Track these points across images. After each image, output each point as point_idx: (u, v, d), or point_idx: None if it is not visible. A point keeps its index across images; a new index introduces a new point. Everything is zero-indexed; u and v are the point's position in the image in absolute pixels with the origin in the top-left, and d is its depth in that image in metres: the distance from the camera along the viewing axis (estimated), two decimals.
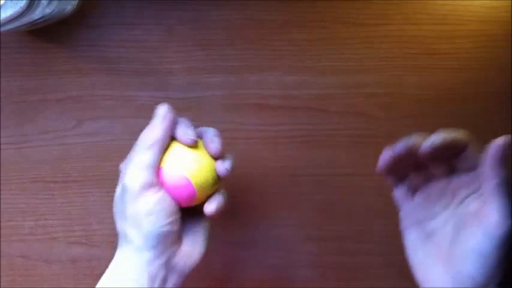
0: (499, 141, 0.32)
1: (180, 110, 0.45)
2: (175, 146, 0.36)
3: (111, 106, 0.45)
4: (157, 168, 0.35)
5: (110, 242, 0.45)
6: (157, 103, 0.45)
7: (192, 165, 0.35)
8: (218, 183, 0.37)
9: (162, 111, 0.36)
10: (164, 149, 0.35)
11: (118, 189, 0.36)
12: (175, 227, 0.34)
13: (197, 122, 0.45)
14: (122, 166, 0.37)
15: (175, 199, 0.35)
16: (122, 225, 0.36)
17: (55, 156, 0.45)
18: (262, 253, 0.46)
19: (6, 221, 0.45)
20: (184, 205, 0.35)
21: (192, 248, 0.36)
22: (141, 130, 0.45)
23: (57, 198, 0.45)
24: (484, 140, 0.47)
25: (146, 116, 0.45)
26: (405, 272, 0.46)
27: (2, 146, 0.45)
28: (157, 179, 0.34)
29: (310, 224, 0.46)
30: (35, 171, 0.45)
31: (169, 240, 0.34)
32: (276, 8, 0.45)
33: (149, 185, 0.34)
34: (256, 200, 0.46)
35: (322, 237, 0.46)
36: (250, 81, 0.45)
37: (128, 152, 0.45)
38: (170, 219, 0.34)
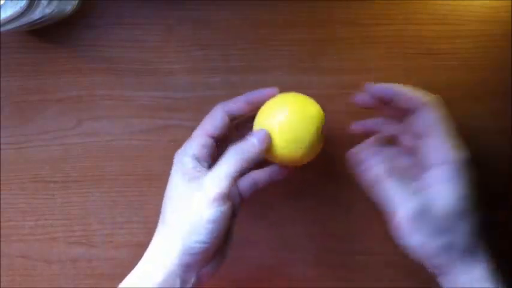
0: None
1: (180, 110, 0.45)
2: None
3: (111, 106, 0.45)
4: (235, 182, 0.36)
5: (109, 242, 0.45)
6: (157, 103, 0.45)
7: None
8: None
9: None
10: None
11: (190, 185, 0.35)
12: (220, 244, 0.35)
13: (197, 122, 0.45)
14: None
15: None
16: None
17: (55, 156, 0.45)
18: (262, 253, 0.46)
19: (6, 221, 0.45)
20: None
21: (219, 257, 0.37)
22: (141, 130, 0.45)
23: (57, 198, 0.45)
24: (484, 140, 0.47)
25: (146, 116, 0.45)
26: (405, 272, 0.46)
27: (2, 146, 0.45)
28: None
29: (311, 224, 0.46)
30: (35, 171, 0.45)
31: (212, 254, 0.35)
32: (276, 8, 0.45)
33: (228, 197, 0.35)
34: (256, 200, 0.46)
35: (322, 237, 0.46)
36: (250, 81, 0.45)
37: (128, 152, 0.45)
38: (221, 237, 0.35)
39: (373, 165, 0.37)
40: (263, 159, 0.38)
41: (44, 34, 0.44)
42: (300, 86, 0.45)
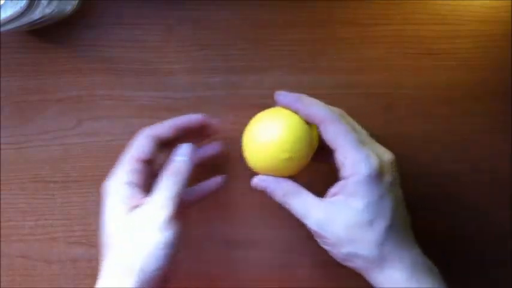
0: None
1: (180, 110, 0.45)
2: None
3: (111, 106, 0.45)
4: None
5: None
6: (157, 103, 0.45)
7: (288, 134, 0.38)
8: None
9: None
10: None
11: (134, 214, 0.35)
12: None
13: None
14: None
15: None
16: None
17: (55, 156, 0.45)
18: (263, 253, 0.46)
19: (6, 221, 0.45)
20: None
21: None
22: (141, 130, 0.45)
23: (57, 198, 0.45)
24: (484, 140, 0.47)
25: (146, 116, 0.45)
26: None
27: (2, 146, 0.45)
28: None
29: None
30: (35, 171, 0.45)
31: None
32: (276, 8, 0.45)
33: (175, 218, 0.35)
34: (256, 200, 0.46)
35: None
36: (250, 81, 0.45)
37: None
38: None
39: (277, 186, 0.38)
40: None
41: (44, 34, 0.44)
42: (300, 86, 0.45)
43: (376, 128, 0.46)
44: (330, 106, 0.38)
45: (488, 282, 0.47)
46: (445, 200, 0.46)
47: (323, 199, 0.37)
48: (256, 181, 0.39)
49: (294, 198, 0.37)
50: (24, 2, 0.36)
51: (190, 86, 0.45)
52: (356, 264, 0.36)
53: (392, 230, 0.35)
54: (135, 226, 0.34)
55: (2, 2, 0.36)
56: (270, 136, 0.37)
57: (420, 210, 0.46)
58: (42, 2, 0.38)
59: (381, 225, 0.35)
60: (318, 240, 0.37)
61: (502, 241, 0.47)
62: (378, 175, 0.35)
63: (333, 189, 0.37)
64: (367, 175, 0.35)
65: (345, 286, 0.46)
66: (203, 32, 0.45)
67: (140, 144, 0.38)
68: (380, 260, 0.35)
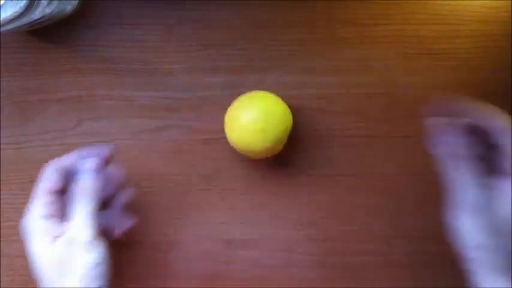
0: None
1: (180, 110, 0.45)
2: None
3: (111, 106, 0.45)
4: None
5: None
6: (157, 103, 0.45)
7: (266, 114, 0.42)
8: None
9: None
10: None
11: (58, 244, 0.35)
12: None
13: (197, 122, 0.45)
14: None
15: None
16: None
17: (55, 156, 0.45)
18: (262, 253, 0.46)
19: (6, 221, 0.45)
20: None
21: None
22: (141, 130, 0.45)
23: None
24: None
25: (146, 116, 0.45)
26: (405, 272, 0.46)
27: (2, 146, 0.45)
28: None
29: (310, 224, 0.46)
30: (35, 171, 0.45)
31: None
32: (276, 8, 0.45)
33: (98, 234, 0.35)
34: (256, 200, 0.46)
35: (322, 237, 0.46)
36: (250, 81, 0.45)
37: (128, 152, 0.45)
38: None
39: (457, 145, 0.36)
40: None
41: (44, 34, 0.44)
42: (300, 86, 0.45)
43: (376, 128, 0.46)
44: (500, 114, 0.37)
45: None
46: (445, 200, 0.46)
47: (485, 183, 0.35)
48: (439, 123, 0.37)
49: (464, 166, 0.35)
50: (24, 2, 0.36)
51: (190, 86, 0.45)
52: (493, 258, 0.34)
53: None
54: (62, 255, 0.35)
55: (2, 2, 0.36)
56: (244, 111, 0.41)
57: (420, 210, 0.46)
58: (42, 2, 0.38)
59: None
60: (460, 218, 0.35)
61: None
62: None
63: (498, 182, 0.35)
64: None
65: (345, 286, 0.46)
66: (203, 32, 0.45)
67: (49, 177, 0.38)
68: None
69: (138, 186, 0.45)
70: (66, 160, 0.39)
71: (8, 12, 0.36)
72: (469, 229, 0.35)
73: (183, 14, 0.44)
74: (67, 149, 0.45)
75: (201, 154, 0.45)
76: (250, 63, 0.45)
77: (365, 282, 0.46)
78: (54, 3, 0.39)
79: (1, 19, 0.36)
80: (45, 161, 0.45)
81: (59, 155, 0.45)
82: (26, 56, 0.44)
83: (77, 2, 0.43)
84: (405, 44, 0.46)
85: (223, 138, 0.44)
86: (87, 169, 0.38)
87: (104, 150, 0.39)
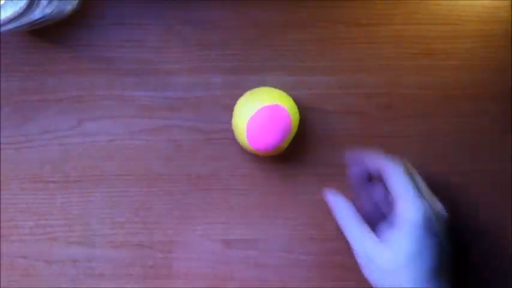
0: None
1: (180, 110, 0.45)
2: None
3: (111, 106, 0.45)
4: None
5: (109, 242, 0.45)
6: (157, 103, 0.45)
7: (285, 99, 0.42)
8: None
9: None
10: None
11: None
12: None
13: (197, 122, 0.45)
14: None
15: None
16: None
17: (55, 156, 0.45)
18: (262, 253, 0.46)
19: (6, 221, 0.45)
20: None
21: None
22: (141, 130, 0.45)
23: (57, 198, 0.45)
24: (484, 140, 0.47)
25: (146, 116, 0.45)
26: None
27: (2, 146, 0.45)
28: None
29: (310, 224, 0.46)
30: (35, 171, 0.45)
31: None
32: (276, 8, 0.45)
33: None
34: (256, 200, 0.46)
35: (322, 237, 0.46)
36: (250, 81, 0.45)
37: (128, 152, 0.45)
38: None
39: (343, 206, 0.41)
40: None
41: (44, 34, 0.44)
42: (300, 86, 0.45)
43: (376, 128, 0.46)
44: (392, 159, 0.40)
45: (488, 282, 0.47)
46: (445, 199, 0.46)
47: (375, 235, 0.39)
48: (328, 197, 0.42)
49: (356, 228, 0.40)
50: (24, 2, 0.36)
51: (190, 86, 0.45)
52: None
53: (433, 274, 0.37)
54: None
55: (2, 2, 0.36)
56: (254, 104, 0.41)
57: None
58: (42, 2, 0.38)
59: (419, 266, 0.37)
60: (362, 268, 0.40)
61: (502, 241, 0.47)
62: (426, 223, 0.37)
63: (386, 229, 0.39)
64: (416, 220, 0.37)
65: (344, 287, 0.46)
66: (203, 32, 0.45)
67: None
68: None
69: (138, 186, 0.45)
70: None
71: (8, 12, 0.36)
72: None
73: (183, 14, 0.44)
74: (67, 149, 0.45)
75: (201, 154, 0.45)
76: (250, 63, 0.45)
77: (365, 282, 0.46)
78: (54, 3, 0.39)
79: (1, 19, 0.36)
80: (45, 161, 0.45)
81: (59, 155, 0.45)
82: (26, 56, 0.44)
83: (77, 2, 0.42)
84: (405, 44, 0.46)
85: (224, 138, 0.44)
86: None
87: None
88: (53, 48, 0.44)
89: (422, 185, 0.40)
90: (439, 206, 0.40)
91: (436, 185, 0.46)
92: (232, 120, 0.43)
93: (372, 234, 0.39)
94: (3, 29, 0.37)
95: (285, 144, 0.43)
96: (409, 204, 0.38)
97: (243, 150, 0.45)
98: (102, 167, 0.45)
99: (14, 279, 0.45)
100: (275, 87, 0.45)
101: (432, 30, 0.46)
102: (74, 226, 0.45)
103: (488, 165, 0.46)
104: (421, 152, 0.46)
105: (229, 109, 0.45)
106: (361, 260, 0.39)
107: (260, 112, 0.40)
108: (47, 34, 0.44)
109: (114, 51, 0.45)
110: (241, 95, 0.45)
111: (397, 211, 0.38)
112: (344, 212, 0.41)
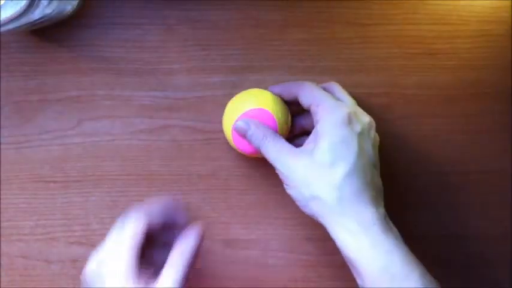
0: None
1: (180, 110, 0.45)
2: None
3: (111, 106, 0.45)
4: None
5: None
6: (157, 103, 0.45)
7: (272, 102, 0.41)
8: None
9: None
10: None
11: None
12: None
13: (197, 122, 0.45)
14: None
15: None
16: None
17: (55, 156, 0.45)
18: (262, 253, 0.46)
19: (6, 221, 0.45)
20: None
21: None
22: (141, 130, 0.45)
23: (57, 198, 0.45)
24: (484, 140, 0.47)
25: (146, 116, 0.45)
26: None
27: (2, 146, 0.45)
28: None
29: (310, 224, 0.46)
30: (35, 171, 0.45)
31: None
32: (276, 8, 0.45)
33: None
34: (256, 200, 0.46)
35: (322, 237, 0.46)
36: (250, 81, 0.45)
37: (128, 152, 0.45)
38: None
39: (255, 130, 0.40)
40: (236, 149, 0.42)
41: (44, 34, 0.44)
42: None
43: (376, 128, 0.46)
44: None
45: (488, 282, 0.47)
46: (445, 199, 0.47)
47: (297, 147, 0.38)
48: (238, 124, 0.40)
49: (270, 141, 0.39)
50: (24, 2, 0.36)
51: (190, 86, 0.45)
52: (316, 209, 0.36)
53: (353, 177, 0.36)
54: None
55: (2, 2, 0.36)
56: (241, 107, 0.41)
57: (419, 210, 0.46)
58: (42, 2, 0.38)
59: (341, 167, 0.36)
60: (285, 186, 0.39)
61: (502, 241, 0.47)
62: (346, 120, 0.37)
63: (307, 139, 0.39)
64: (335, 118, 0.37)
65: (344, 286, 0.46)
66: (203, 32, 0.45)
67: (137, 223, 0.36)
68: (338, 206, 0.36)
69: (138, 186, 0.45)
70: (154, 209, 0.37)
71: (8, 12, 0.36)
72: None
73: (183, 14, 0.44)
74: (67, 149, 0.45)
75: (201, 154, 0.45)
76: (250, 63, 0.45)
77: None
78: (54, 3, 0.39)
79: (1, 19, 0.36)
80: (45, 161, 0.45)
81: (59, 155, 0.45)
82: (26, 56, 0.44)
83: (77, 2, 0.42)
84: (405, 44, 0.46)
85: (224, 138, 0.44)
86: (193, 234, 0.36)
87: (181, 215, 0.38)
88: (53, 48, 0.44)
89: (349, 99, 0.41)
90: (362, 113, 0.40)
91: (436, 185, 0.47)
92: (222, 123, 0.43)
93: (288, 144, 0.38)
94: (3, 29, 0.37)
95: None
96: (327, 107, 0.38)
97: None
98: (102, 167, 0.45)
99: (14, 279, 0.45)
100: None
101: (432, 30, 0.46)
102: (74, 226, 0.45)
103: (488, 165, 0.46)
104: (421, 152, 0.46)
105: None
106: (282, 168, 0.38)
107: (243, 116, 0.41)
108: (47, 34, 0.44)
109: (114, 51, 0.45)
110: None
111: (317, 118, 0.38)
112: (259, 130, 0.39)
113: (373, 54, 0.45)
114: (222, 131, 0.44)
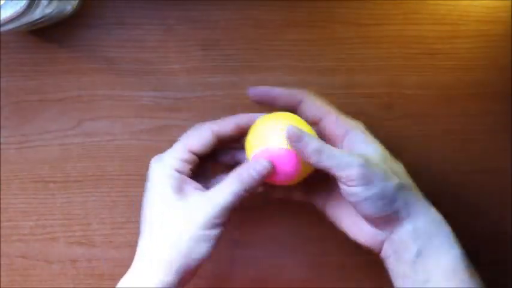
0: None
1: (180, 110, 0.45)
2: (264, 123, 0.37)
3: (111, 106, 0.45)
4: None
5: (109, 242, 0.45)
6: (157, 103, 0.45)
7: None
8: None
9: None
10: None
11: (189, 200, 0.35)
12: None
13: (197, 122, 0.45)
14: None
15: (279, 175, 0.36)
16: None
17: (55, 156, 0.45)
18: (262, 253, 0.46)
19: (6, 221, 0.45)
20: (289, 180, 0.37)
21: None
22: (141, 130, 0.45)
23: (57, 198, 0.45)
24: (484, 140, 0.47)
25: (146, 116, 0.45)
26: None
27: (2, 146, 0.45)
28: None
29: (310, 224, 0.46)
30: (35, 171, 0.45)
31: None
32: (276, 8, 0.45)
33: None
34: (256, 200, 0.46)
35: (322, 237, 0.46)
36: (250, 81, 0.45)
37: (128, 152, 0.45)
38: None
39: (309, 138, 0.36)
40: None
41: (44, 34, 0.44)
42: (300, 86, 0.45)
43: (376, 128, 0.46)
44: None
45: (488, 282, 0.47)
46: (445, 199, 0.46)
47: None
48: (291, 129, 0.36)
49: (329, 148, 0.36)
50: (24, 2, 0.36)
51: (190, 86, 0.45)
52: (404, 197, 0.35)
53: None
54: (185, 213, 0.34)
55: (2, 2, 0.36)
56: (268, 135, 0.36)
57: None
58: (42, 2, 0.38)
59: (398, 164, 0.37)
60: (358, 187, 0.34)
61: (502, 241, 0.47)
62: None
63: (345, 142, 0.38)
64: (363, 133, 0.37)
65: (344, 286, 0.46)
66: (203, 32, 0.45)
67: (200, 137, 0.37)
68: (420, 195, 0.36)
69: (138, 186, 0.45)
70: (222, 126, 0.37)
71: (8, 12, 0.36)
72: (377, 192, 0.35)
73: (183, 14, 0.44)
74: (67, 149, 0.45)
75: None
76: (250, 63, 0.45)
77: (364, 282, 0.46)
78: (54, 3, 0.39)
79: (1, 19, 0.36)
80: (45, 161, 0.45)
81: (59, 155, 0.45)
82: (26, 56, 0.44)
83: (77, 2, 0.42)
84: (405, 44, 0.46)
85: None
86: (260, 171, 0.35)
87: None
88: (53, 48, 0.44)
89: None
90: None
91: (436, 185, 0.47)
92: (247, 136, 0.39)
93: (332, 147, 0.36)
94: (3, 29, 0.37)
95: (295, 181, 0.38)
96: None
97: None
98: (102, 167, 0.45)
99: (14, 279, 0.45)
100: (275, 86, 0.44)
101: (432, 30, 0.46)
102: (74, 226, 0.45)
103: (488, 165, 0.46)
104: (421, 152, 0.46)
105: (229, 109, 0.45)
106: (360, 168, 0.34)
107: (265, 152, 0.36)
108: (47, 34, 0.44)
109: (114, 51, 0.45)
110: (241, 94, 0.45)
111: (333, 129, 0.37)
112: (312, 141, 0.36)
113: (373, 54, 0.45)
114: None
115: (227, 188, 0.35)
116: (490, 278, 0.47)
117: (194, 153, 0.37)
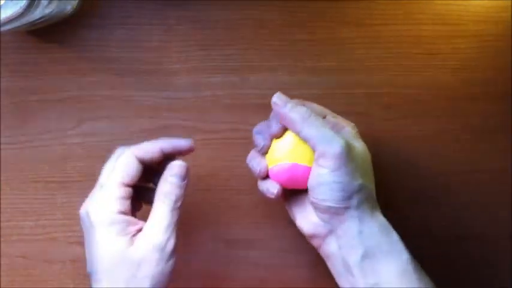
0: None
1: (180, 110, 0.45)
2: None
3: (111, 106, 0.45)
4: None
5: None
6: (157, 103, 0.45)
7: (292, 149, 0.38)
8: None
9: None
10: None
11: (138, 245, 0.35)
12: None
13: (197, 122, 0.45)
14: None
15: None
16: None
17: (55, 156, 0.45)
18: (262, 253, 0.46)
19: (6, 221, 0.45)
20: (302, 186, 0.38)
21: None
22: (141, 130, 0.45)
23: (57, 198, 0.45)
24: (484, 140, 0.47)
25: (146, 116, 0.45)
26: None
27: (2, 146, 0.45)
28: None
29: None
30: (35, 171, 0.45)
31: None
32: (276, 8, 0.45)
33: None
34: (256, 200, 0.46)
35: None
36: (250, 81, 0.45)
37: None
38: None
39: (296, 106, 0.36)
40: None
41: (44, 34, 0.44)
42: (300, 86, 0.45)
43: (376, 128, 0.46)
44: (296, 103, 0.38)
45: (488, 282, 0.47)
46: (445, 199, 0.46)
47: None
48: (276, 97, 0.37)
49: (314, 119, 0.36)
50: (24, 2, 0.36)
51: (190, 86, 0.45)
52: (362, 195, 0.35)
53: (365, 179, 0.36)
54: (137, 259, 0.34)
55: (2, 2, 0.36)
56: (285, 147, 0.38)
57: (420, 210, 0.46)
58: (42, 2, 0.38)
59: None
60: (333, 169, 0.35)
61: (502, 241, 0.47)
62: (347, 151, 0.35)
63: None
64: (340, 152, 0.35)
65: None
66: (203, 32, 0.45)
67: (128, 169, 0.36)
68: (374, 201, 0.37)
69: None
70: (146, 152, 0.37)
71: (8, 12, 0.36)
72: (345, 180, 0.36)
73: (183, 14, 0.44)
74: (67, 149, 0.45)
75: (201, 154, 0.45)
76: (250, 63, 0.45)
77: None
78: (54, 3, 0.39)
79: (1, 19, 0.36)
80: (45, 161, 0.45)
81: (59, 155, 0.45)
82: (26, 56, 0.44)
83: (77, 2, 0.43)
84: (405, 44, 0.46)
85: (224, 138, 0.44)
86: (178, 174, 0.36)
87: (183, 145, 0.38)
88: (53, 48, 0.44)
89: (323, 114, 0.40)
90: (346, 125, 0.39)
91: (436, 185, 0.47)
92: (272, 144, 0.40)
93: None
94: (3, 29, 0.37)
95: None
96: (328, 143, 0.35)
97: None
98: (102, 167, 0.45)
99: (14, 279, 0.45)
100: (275, 87, 0.44)
101: (432, 30, 0.46)
102: (74, 226, 0.45)
103: (488, 165, 0.46)
104: (421, 152, 0.46)
105: (229, 109, 0.45)
106: (338, 153, 0.34)
107: (288, 168, 0.38)
108: (47, 34, 0.44)
109: (114, 51, 0.45)
110: (241, 94, 0.45)
111: (314, 145, 0.36)
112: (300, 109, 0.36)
113: (373, 54, 0.45)
114: (222, 131, 0.44)
115: (163, 220, 0.35)
116: (490, 278, 0.47)
117: (128, 186, 0.36)
